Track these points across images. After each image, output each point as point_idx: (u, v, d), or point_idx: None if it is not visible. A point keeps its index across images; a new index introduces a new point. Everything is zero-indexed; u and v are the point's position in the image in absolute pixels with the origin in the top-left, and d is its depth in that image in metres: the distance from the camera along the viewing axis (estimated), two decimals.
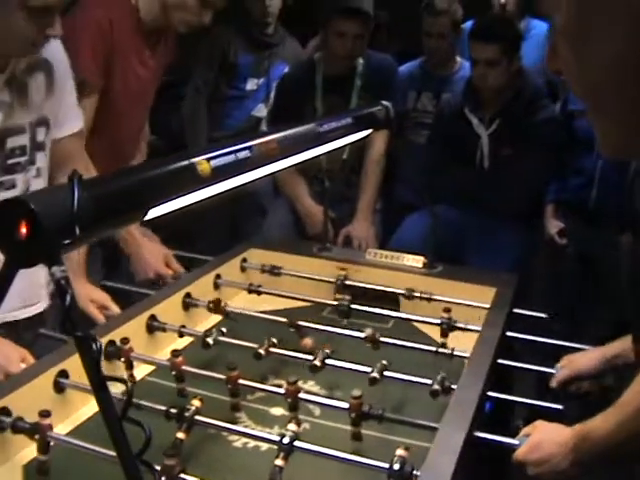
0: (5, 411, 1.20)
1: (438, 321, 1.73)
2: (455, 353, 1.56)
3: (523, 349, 2.35)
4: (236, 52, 3.26)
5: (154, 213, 0.91)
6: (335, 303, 1.87)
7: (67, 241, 0.73)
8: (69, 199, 0.73)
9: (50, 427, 1.16)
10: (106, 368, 1.47)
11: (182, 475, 1.03)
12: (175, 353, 1.43)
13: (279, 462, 1.14)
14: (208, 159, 1.01)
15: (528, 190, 2.54)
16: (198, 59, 3.32)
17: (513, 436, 1.28)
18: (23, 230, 0.72)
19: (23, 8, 1.40)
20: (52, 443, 1.19)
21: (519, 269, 2.33)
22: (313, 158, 1.42)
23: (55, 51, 1.63)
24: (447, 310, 1.73)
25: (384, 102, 1.82)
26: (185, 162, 0.97)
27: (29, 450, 1.23)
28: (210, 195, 1.08)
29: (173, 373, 1.44)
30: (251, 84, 3.29)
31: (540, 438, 1.23)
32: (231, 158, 1.07)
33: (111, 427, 0.71)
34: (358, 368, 1.47)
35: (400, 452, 1.12)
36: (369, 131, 1.73)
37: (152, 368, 1.56)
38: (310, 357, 1.50)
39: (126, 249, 2.04)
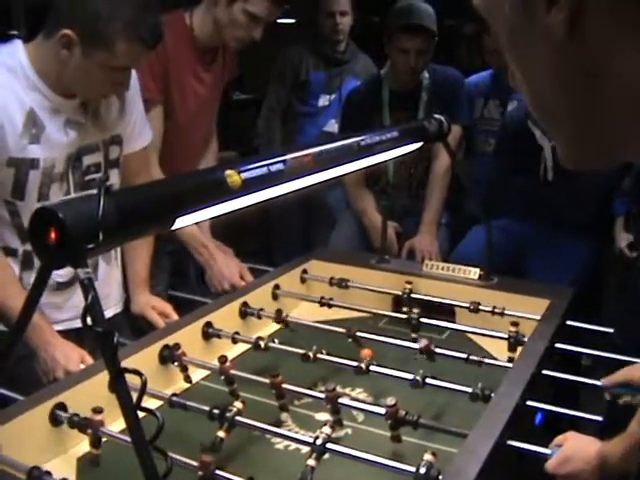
0: (62, 406, 1.30)
1: (497, 334, 1.73)
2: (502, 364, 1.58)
3: (596, 365, 2.31)
4: (308, 69, 3.35)
5: (182, 223, 0.98)
6: (401, 316, 1.88)
7: (91, 246, 0.81)
8: (94, 208, 0.81)
9: (102, 423, 1.25)
10: (161, 370, 1.57)
11: (218, 472, 1.09)
12: (223, 359, 1.49)
13: (311, 462, 1.18)
14: (239, 171, 1.07)
15: (594, 202, 2.49)
16: (271, 77, 3.43)
17: None
18: (52, 236, 0.80)
19: (104, 67, 1.56)
20: (104, 439, 1.29)
21: (584, 282, 2.30)
22: (354, 171, 1.46)
23: None
24: (515, 324, 1.71)
25: (437, 115, 1.85)
26: (215, 174, 1.04)
27: (84, 444, 1.33)
28: (244, 206, 1.14)
29: (222, 377, 1.50)
30: (323, 100, 3.38)
31: (569, 452, 1.22)
32: (263, 171, 1.12)
33: (127, 415, 0.77)
34: (403, 375, 1.50)
35: (427, 457, 1.14)
36: (419, 144, 1.76)
37: (207, 373, 1.64)
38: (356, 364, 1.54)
39: (200, 261, 2.13)
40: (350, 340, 1.73)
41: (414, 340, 1.74)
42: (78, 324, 1.71)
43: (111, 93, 1.70)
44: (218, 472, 1.14)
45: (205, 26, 2.15)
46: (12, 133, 1.57)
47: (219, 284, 2.09)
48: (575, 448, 1.23)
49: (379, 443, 1.36)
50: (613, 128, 0.51)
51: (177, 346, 1.55)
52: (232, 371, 1.50)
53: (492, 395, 1.37)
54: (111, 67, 1.57)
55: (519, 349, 1.68)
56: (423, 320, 1.83)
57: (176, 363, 1.56)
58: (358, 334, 1.72)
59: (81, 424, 1.27)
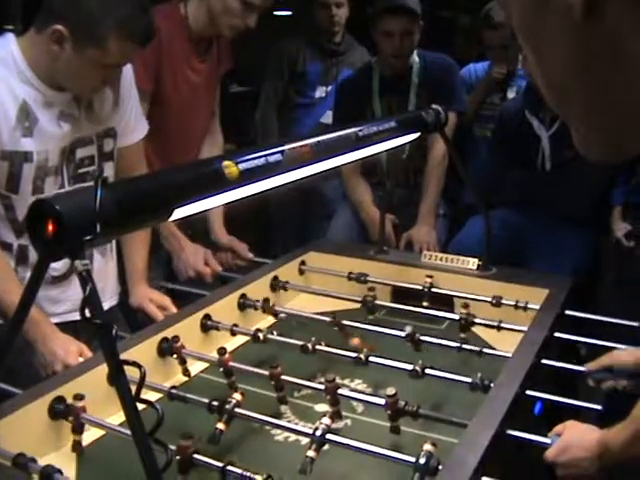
0: (61, 400, 1.30)
1: (487, 322, 1.73)
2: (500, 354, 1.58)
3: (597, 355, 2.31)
4: (305, 61, 3.35)
5: (180, 214, 0.98)
6: (357, 299, 1.90)
7: (89, 238, 0.80)
8: (92, 200, 0.81)
9: (84, 409, 1.25)
10: (159, 363, 1.56)
11: (196, 455, 1.09)
12: (222, 351, 1.49)
13: (311, 453, 1.18)
14: (237, 162, 1.07)
15: (591, 192, 2.49)
16: (268, 69, 3.42)
17: None
18: (50, 228, 0.79)
19: (95, 64, 1.56)
20: (102, 432, 1.29)
21: (582, 272, 2.30)
22: (352, 162, 1.46)
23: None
24: (466, 306, 1.76)
25: (434, 105, 1.85)
26: (212, 165, 1.03)
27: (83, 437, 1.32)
28: (241, 197, 1.14)
29: (221, 369, 1.50)
30: (320, 92, 3.37)
31: (569, 441, 1.23)
32: (261, 161, 1.12)
33: (126, 407, 0.77)
34: (403, 366, 1.50)
35: (427, 447, 1.14)
36: (417, 134, 1.76)
37: (206, 365, 1.63)
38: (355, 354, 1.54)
39: (169, 249, 2.16)
40: (336, 328, 1.73)
41: (370, 323, 1.78)
42: (74, 317, 1.71)
43: (101, 88, 1.70)
44: (196, 456, 1.13)
45: (199, 15, 2.15)
46: (6, 126, 1.56)
47: (185, 271, 2.12)
48: (575, 436, 1.24)
49: (379, 434, 1.35)
50: (629, 112, 0.50)
51: (176, 338, 1.55)
52: (231, 363, 1.49)
53: (491, 385, 1.37)
54: (102, 64, 1.57)
55: (498, 335, 1.71)
56: (424, 311, 1.84)
57: (175, 355, 1.56)
58: (344, 322, 1.73)
59: (63, 411, 1.27)
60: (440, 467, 1.10)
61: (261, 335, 1.65)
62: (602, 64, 0.48)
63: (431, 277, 1.98)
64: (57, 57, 1.55)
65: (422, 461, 1.11)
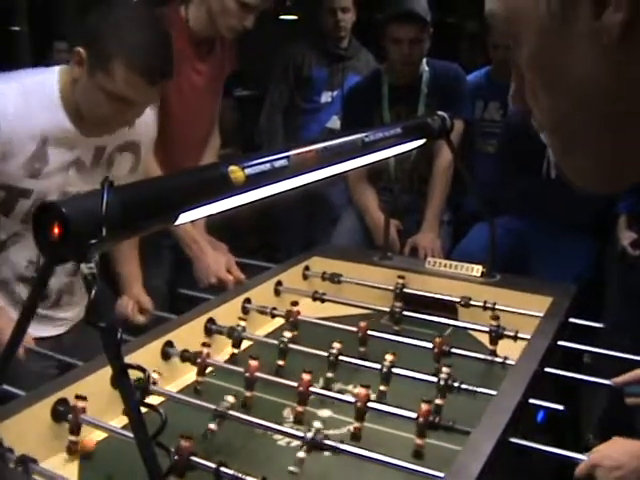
0: (64, 402, 1.30)
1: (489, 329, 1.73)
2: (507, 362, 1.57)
3: (600, 363, 2.31)
4: (311, 66, 3.36)
5: (185, 218, 0.98)
6: (388, 310, 1.89)
7: (94, 241, 0.80)
8: (98, 203, 0.81)
9: (83, 410, 1.25)
10: (163, 366, 1.56)
11: (193, 458, 1.08)
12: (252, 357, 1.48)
13: (301, 454, 1.19)
14: (243, 167, 1.07)
15: (596, 200, 2.48)
16: (274, 73, 3.43)
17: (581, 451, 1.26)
18: (55, 231, 0.80)
19: (106, 91, 1.53)
20: (105, 434, 1.29)
21: (586, 280, 2.29)
22: (357, 168, 1.46)
23: (147, 121, 1.77)
24: (496, 318, 1.74)
25: (440, 112, 1.85)
26: (218, 169, 1.04)
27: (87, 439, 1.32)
28: (248, 202, 1.14)
29: (247, 375, 1.46)
30: (325, 97, 3.38)
31: (611, 447, 1.21)
32: (267, 167, 1.12)
33: (130, 411, 0.77)
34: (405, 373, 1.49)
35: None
36: (422, 141, 1.76)
37: (209, 369, 1.63)
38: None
39: (190, 255, 2.14)
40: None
41: (397, 333, 1.78)
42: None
43: (114, 123, 1.64)
44: (193, 458, 1.12)
45: (200, 17, 2.17)
46: (16, 164, 1.57)
47: (206, 278, 2.10)
48: (616, 445, 1.22)
49: (380, 438, 1.35)
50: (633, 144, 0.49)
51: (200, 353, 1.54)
52: (256, 373, 1.47)
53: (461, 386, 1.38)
54: (110, 92, 1.52)
55: (500, 342, 1.70)
56: (427, 318, 1.84)
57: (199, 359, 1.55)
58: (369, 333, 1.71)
59: (63, 412, 1.28)
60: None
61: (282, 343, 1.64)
62: (624, 93, 0.47)
63: (403, 278, 2.02)
64: (77, 81, 1.55)
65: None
